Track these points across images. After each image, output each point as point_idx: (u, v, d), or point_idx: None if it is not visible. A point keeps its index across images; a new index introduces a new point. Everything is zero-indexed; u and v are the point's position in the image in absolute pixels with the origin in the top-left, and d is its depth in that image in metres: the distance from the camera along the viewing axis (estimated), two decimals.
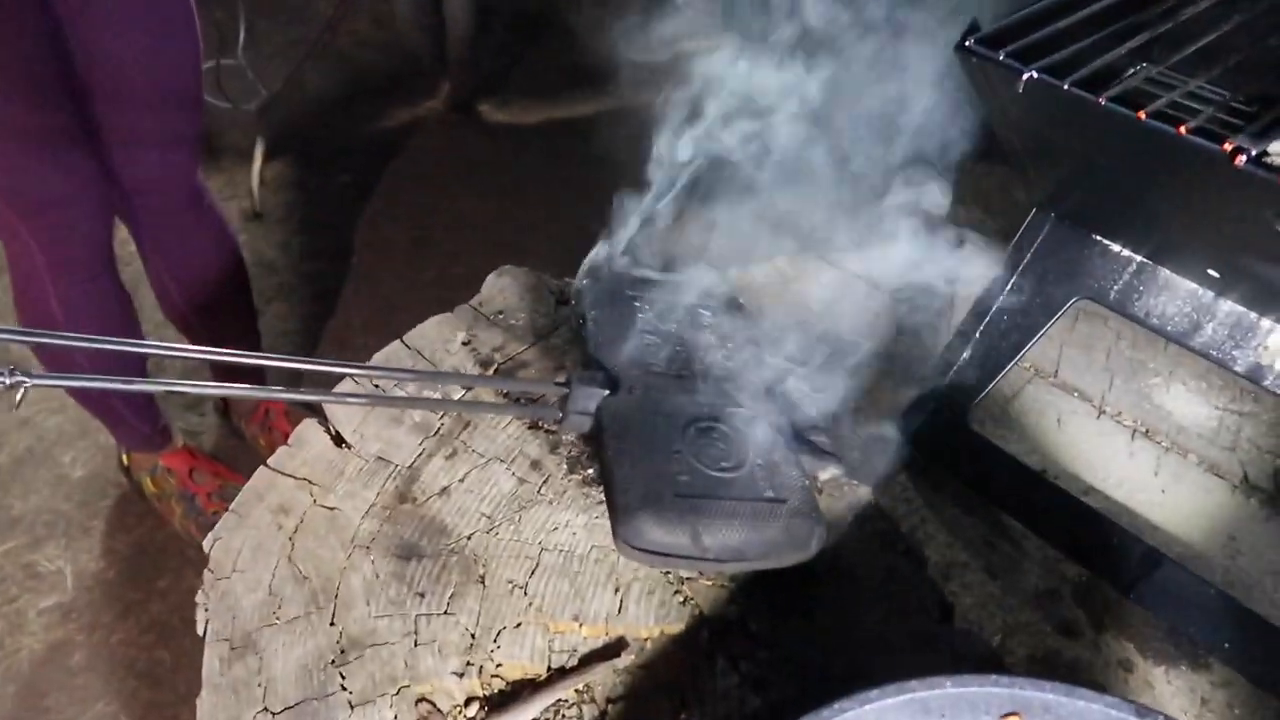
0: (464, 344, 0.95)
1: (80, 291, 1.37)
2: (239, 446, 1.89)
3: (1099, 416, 1.09)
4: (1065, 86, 0.70)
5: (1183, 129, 0.63)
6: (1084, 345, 1.16)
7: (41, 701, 1.55)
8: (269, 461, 0.89)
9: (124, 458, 1.79)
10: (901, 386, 1.12)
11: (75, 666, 1.59)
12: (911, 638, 0.71)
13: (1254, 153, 0.60)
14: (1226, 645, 0.87)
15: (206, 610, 0.81)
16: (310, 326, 2.24)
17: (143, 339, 1.55)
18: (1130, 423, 1.08)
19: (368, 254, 2.45)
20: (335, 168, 2.72)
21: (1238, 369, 0.88)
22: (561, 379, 0.82)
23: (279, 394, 0.73)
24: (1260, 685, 0.87)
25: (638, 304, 0.92)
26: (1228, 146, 0.60)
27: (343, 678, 0.74)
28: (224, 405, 1.89)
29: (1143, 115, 0.65)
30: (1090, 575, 0.96)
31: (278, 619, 0.78)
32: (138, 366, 1.61)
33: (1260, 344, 0.87)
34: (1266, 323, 0.87)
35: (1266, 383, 0.86)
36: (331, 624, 0.77)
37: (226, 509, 1.67)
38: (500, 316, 0.99)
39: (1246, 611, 0.89)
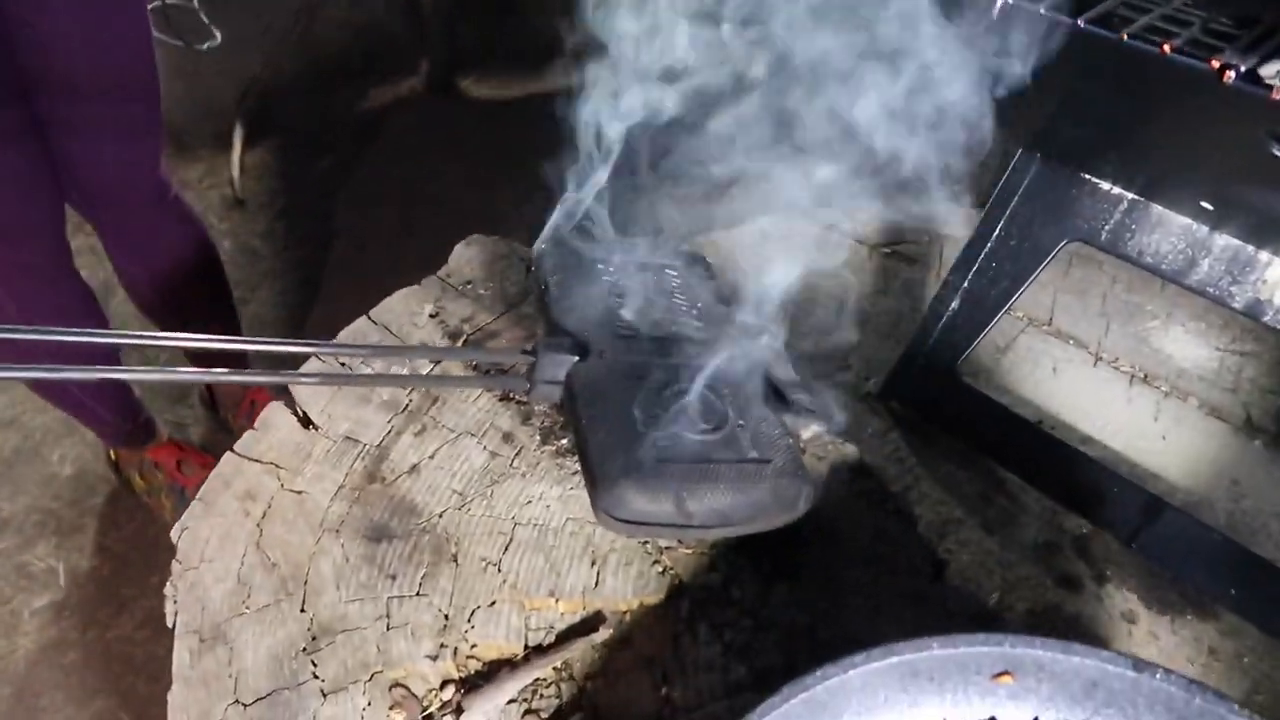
0: (431, 316, 0.92)
1: (38, 296, 1.34)
2: (228, 439, 1.86)
3: (1096, 363, 1.05)
4: (1040, 10, 0.66)
5: (1166, 47, 0.60)
6: (1078, 291, 1.13)
7: (38, 701, 1.53)
8: (235, 447, 0.86)
9: (111, 454, 1.76)
10: (889, 340, 1.09)
11: (71, 665, 1.57)
12: (902, 599, 0.68)
13: (1243, 69, 0.56)
14: (1233, 592, 0.84)
15: (175, 602, 0.79)
16: (296, 314, 2.21)
17: (116, 351, 1.52)
18: (1128, 368, 1.05)
19: (353, 238, 2.42)
20: (316, 152, 2.68)
21: (1236, 305, 0.84)
22: (528, 347, 0.78)
23: (227, 377, 0.70)
24: (1269, 632, 0.84)
25: (601, 267, 0.88)
26: (1215, 63, 0.56)
27: (314, 665, 0.71)
28: (210, 398, 1.86)
29: (1124, 36, 0.61)
30: (1091, 526, 0.93)
31: (247, 608, 0.75)
32: (106, 363, 1.57)
33: (1259, 278, 0.83)
34: (1264, 255, 0.83)
35: (1266, 318, 0.83)
36: (302, 610, 0.74)
37: None
38: (469, 287, 0.96)
39: (1253, 557, 0.86)
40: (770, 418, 0.77)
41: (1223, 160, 0.72)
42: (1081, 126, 0.88)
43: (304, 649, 0.72)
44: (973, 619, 0.67)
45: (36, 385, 1.46)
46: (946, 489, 0.96)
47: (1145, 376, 1.04)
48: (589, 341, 0.78)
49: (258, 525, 0.80)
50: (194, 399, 1.95)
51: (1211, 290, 0.86)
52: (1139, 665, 0.51)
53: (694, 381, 0.76)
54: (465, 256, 0.99)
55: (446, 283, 0.96)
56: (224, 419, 1.87)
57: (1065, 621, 0.86)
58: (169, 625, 0.78)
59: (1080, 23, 0.64)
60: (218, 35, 2.39)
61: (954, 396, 0.99)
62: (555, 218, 0.85)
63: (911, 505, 0.74)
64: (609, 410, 0.73)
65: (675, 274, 0.92)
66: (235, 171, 2.48)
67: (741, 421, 0.75)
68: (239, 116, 2.50)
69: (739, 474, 0.70)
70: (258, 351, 1.87)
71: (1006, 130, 0.97)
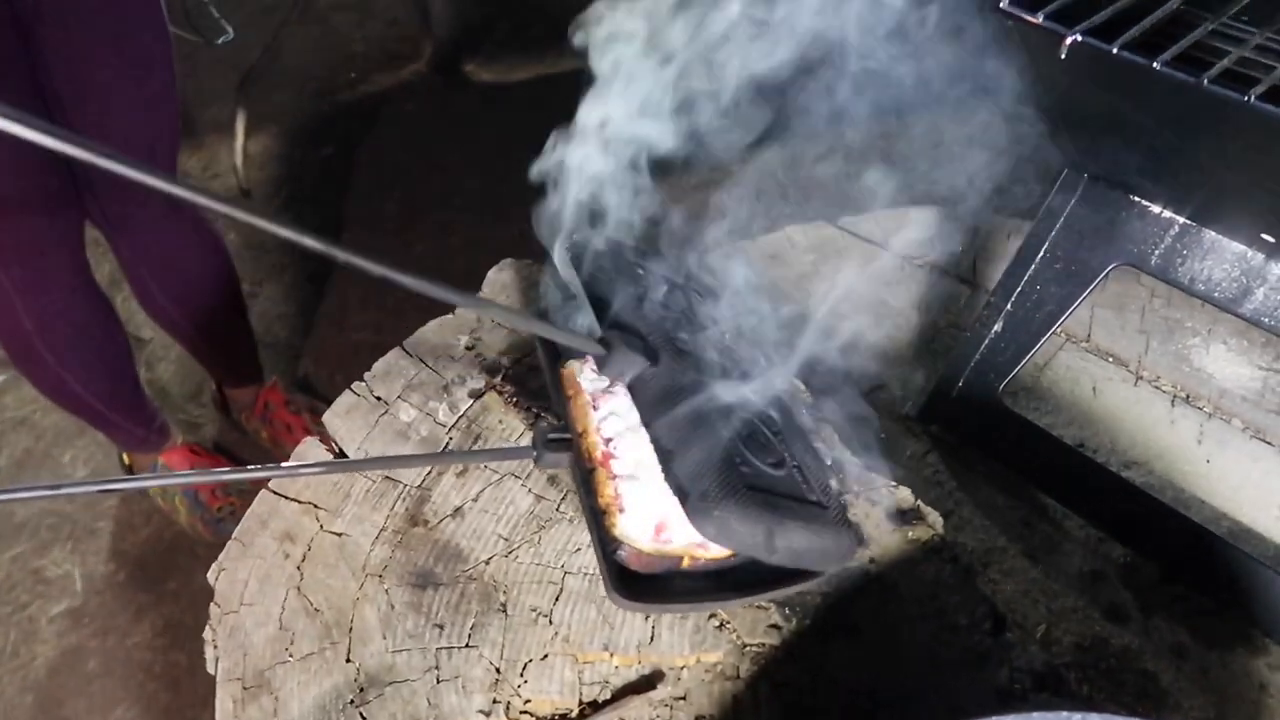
0: (468, 349, 0.90)
1: (57, 313, 1.32)
2: (240, 439, 1.85)
3: (1136, 383, 1.04)
4: (1114, 51, 0.63)
5: (1252, 95, 0.57)
6: (1116, 306, 1.11)
7: (60, 710, 1.53)
8: (270, 485, 0.85)
9: (124, 456, 1.75)
10: (924, 356, 1.07)
11: (91, 673, 1.57)
12: (964, 655, 0.67)
13: None
14: None
15: (215, 647, 0.77)
16: (304, 307, 2.19)
17: (127, 347, 1.50)
18: (1169, 388, 1.03)
19: (358, 228, 2.39)
20: (319, 139, 2.64)
21: None
22: (533, 442, 0.74)
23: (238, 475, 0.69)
24: None
25: (640, 273, 0.85)
26: None
27: (363, 718, 0.70)
28: (222, 399, 1.84)
29: (1205, 81, 0.59)
30: (1136, 555, 0.91)
31: (291, 655, 0.74)
32: (130, 375, 1.55)
33: None
34: None
35: None
36: (348, 660, 0.73)
37: (232, 503, 1.65)
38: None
39: None
40: (818, 461, 0.75)
41: None
42: (1134, 151, 0.86)
43: (352, 700, 0.71)
44: (1036, 675, 0.66)
45: (50, 389, 1.44)
46: (988, 515, 0.94)
47: (1187, 397, 1.02)
48: (657, 348, 0.75)
49: (298, 568, 0.79)
50: (205, 397, 1.93)
51: (1267, 320, 0.84)
52: None
53: (753, 411, 0.74)
54: (499, 282, 0.96)
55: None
56: (236, 419, 1.85)
57: (1114, 655, 0.85)
58: (210, 670, 0.77)
59: (1156, 65, 0.61)
60: (230, 30, 2.35)
61: (995, 420, 0.98)
62: (581, 214, 0.82)
63: (966, 553, 0.73)
64: (687, 426, 0.70)
65: (700, 296, 0.89)
66: (238, 161, 2.45)
67: (796, 462, 0.74)
68: (240, 104, 2.46)
69: (811, 515, 0.69)
70: (266, 358, 1.85)
71: (1055, 149, 0.95)
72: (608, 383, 0.73)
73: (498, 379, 0.87)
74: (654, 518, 0.66)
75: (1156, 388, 1.03)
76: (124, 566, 1.70)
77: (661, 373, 0.72)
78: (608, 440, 0.69)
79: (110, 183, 1.31)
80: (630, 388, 0.73)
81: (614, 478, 0.68)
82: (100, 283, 1.44)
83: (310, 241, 0.55)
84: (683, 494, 0.65)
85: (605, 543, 0.67)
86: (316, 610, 0.76)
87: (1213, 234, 0.86)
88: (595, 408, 0.72)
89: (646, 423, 0.71)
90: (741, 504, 0.65)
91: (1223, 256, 0.86)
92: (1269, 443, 0.98)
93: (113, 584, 1.67)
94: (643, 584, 0.67)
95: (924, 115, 1.03)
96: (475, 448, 0.82)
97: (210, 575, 0.82)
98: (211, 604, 0.80)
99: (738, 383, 0.74)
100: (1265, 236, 0.79)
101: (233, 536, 0.82)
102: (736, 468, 0.67)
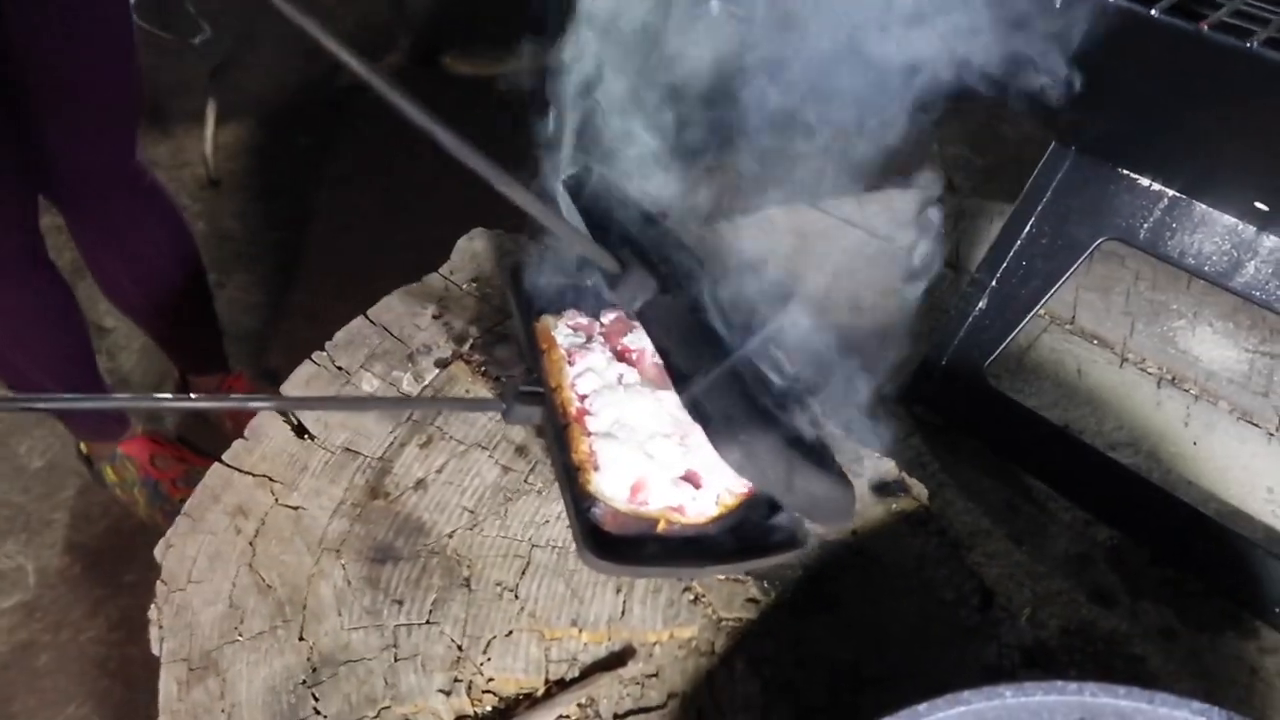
0: (435, 318, 0.86)
1: (11, 294, 1.27)
2: (203, 428, 1.79)
3: (1122, 365, 1.02)
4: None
5: (1255, 42, 0.55)
6: (1101, 288, 1.09)
7: (8, 707, 1.47)
8: (224, 457, 0.81)
9: (82, 447, 1.69)
10: (911, 341, 1.04)
11: (43, 668, 1.51)
12: (950, 630, 0.64)
13: None
14: (1277, 610, 0.81)
15: (160, 627, 0.73)
16: (276, 299, 2.14)
17: (86, 335, 1.45)
18: (1155, 370, 1.01)
19: (333, 219, 2.34)
20: (293, 130, 2.59)
21: None
22: (503, 389, 0.71)
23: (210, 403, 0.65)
24: None
25: (643, 214, 0.80)
26: None
27: (316, 700, 0.66)
28: (185, 388, 1.79)
29: (1205, 28, 0.56)
30: (1123, 537, 0.89)
31: (240, 635, 0.70)
32: (89, 364, 1.50)
33: None
34: None
35: None
36: (301, 639, 0.69)
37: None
38: (473, 285, 0.90)
39: None
40: (815, 415, 0.72)
41: None
42: (1124, 119, 0.83)
43: (304, 681, 0.67)
44: (1025, 652, 0.63)
45: (6, 377, 1.39)
46: (972, 497, 0.91)
47: (1174, 379, 1.00)
48: (668, 277, 0.71)
49: (250, 544, 0.74)
50: (169, 388, 1.87)
51: (1258, 294, 0.82)
52: (1234, 718, 0.47)
53: (759, 355, 0.71)
54: (469, 252, 0.93)
55: (449, 280, 0.90)
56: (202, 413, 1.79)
57: (1102, 639, 0.82)
58: (154, 651, 0.73)
59: (1154, 13, 0.59)
60: (207, 29, 2.31)
61: (979, 400, 0.95)
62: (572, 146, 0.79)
63: (953, 526, 0.70)
64: (704, 352, 0.66)
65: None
66: (208, 150, 2.39)
67: (801, 412, 0.70)
68: (211, 92, 2.41)
69: (822, 462, 0.65)
70: (236, 349, 1.80)
71: (1041, 121, 0.92)
72: (583, 339, 0.70)
73: (465, 348, 0.83)
74: (631, 476, 0.63)
75: (1142, 370, 1.01)
76: (79, 559, 1.64)
77: (674, 302, 0.69)
78: (583, 397, 0.66)
79: (70, 169, 1.27)
80: (640, 314, 0.69)
81: (589, 435, 0.64)
82: (63, 269, 1.39)
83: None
84: (705, 418, 0.62)
85: (578, 500, 0.63)
86: (269, 587, 0.72)
87: (1203, 206, 0.84)
88: (570, 363, 0.68)
89: (661, 348, 0.68)
90: (767, 433, 0.62)
91: (1213, 229, 0.84)
92: (1255, 425, 0.96)
93: (67, 577, 1.61)
94: (616, 546, 0.63)
95: (905, 92, 1.00)
96: (442, 416, 0.79)
97: (157, 552, 0.77)
98: (158, 582, 0.76)
99: (743, 329, 0.71)
100: (1259, 205, 0.77)
101: (182, 511, 0.78)
102: (756, 400, 0.64)
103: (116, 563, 1.63)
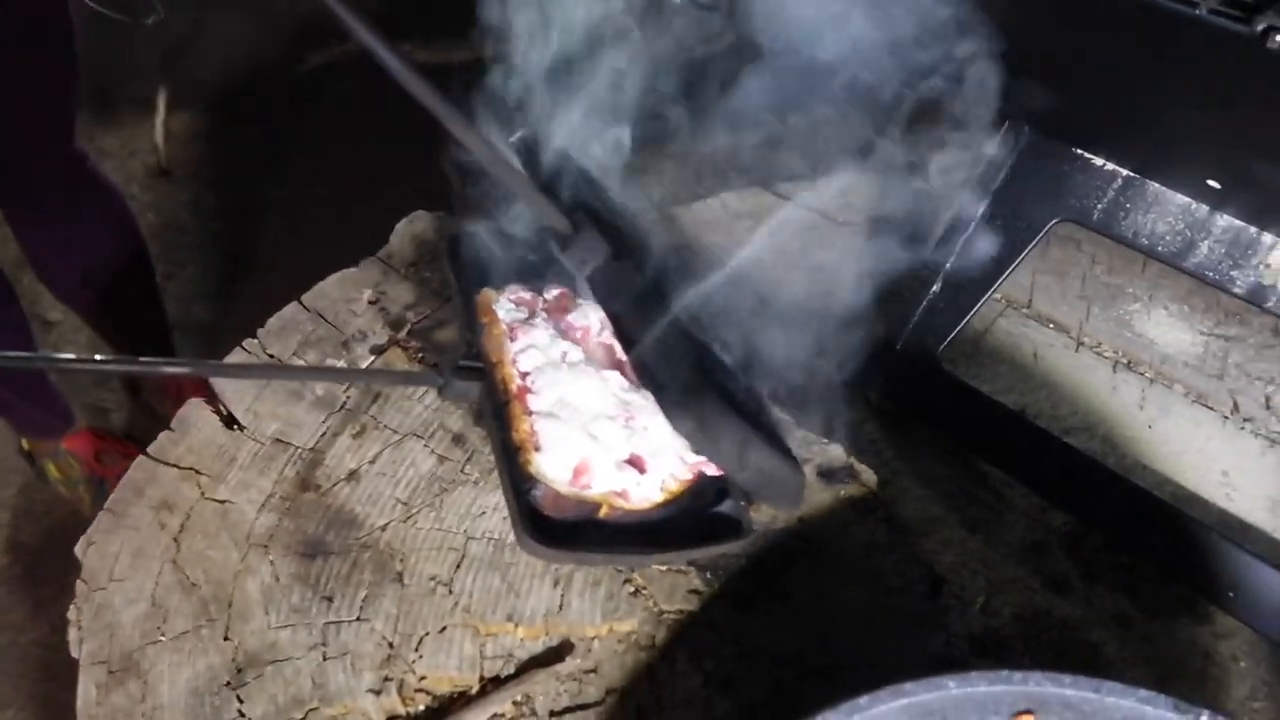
0: (371, 303, 0.83)
1: None
2: (154, 425, 1.74)
3: (1078, 349, 1.00)
4: None
5: (1203, 8, 0.53)
6: (1057, 272, 1.07)
7: None
8: (149, 449, 0.77)
9: (24, 443, 1.64)
10: (860, 322, 1.03)
11: None
12: (897, 618, 0.62)
13: None
14: (1230, 594, 0.80)
15: (80, 627, 0.70)
16: (229, 290, 2.09)
17: (28, 330, 1.40)
18: (1111, 354, 1.00)
19: (288, 210, 2.29)
20: (246, 118, 2.53)
21: (1237, 291, 0.79)
22: (442, 363, 0.68)
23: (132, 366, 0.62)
24: (1263, 633, 0.80)
25: (592, 180, 0.78)
26: (1260, 26, 0.50)
27: (240, 701, 0.63)
28: (132, 381, 1.74)
29: None
30: (1078, 523, 0.88)
31: (163, 635, 0.67)
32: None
33: (1261, 262, 0.79)
34: (1268, 238, 0.78)
35: (1269, 305, 0.78)
36: (226, 638, 0.66)
37: None
38: (412, 270, 0.87)
39: (1244, 555, 0.82)
40: (763, 395, 0.70)
41: (1244, 136, 0.67)
42: (1078, 96, 0.82)
43: (228, 682, 0.64)
44: (974, 640, 0.62)
45: None
46: (926, 484, 0.90)
47: (1129, 363, 0.99)
48: (620, 241, 0.68)
49: (175, 540, 0.71)
50: (115, 382, 1.82)
51: (1211, 274, 0.81)
52: (1180, 707, 0.46)
53: (709, 330, 0.69)
54: (408, 235, 0.90)
55: (388, 265, 0.87)
56: (148, 402, 1.74)
57: (1056, 626, 0.81)
58: (73, 654, 0.70)
59: None
60: (160, 10, 2.24)
61: (935, 386, 0.93)
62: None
63: (902, 512, 0.68)
64: (655, 318, 0.64)
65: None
66: (159, 139, 2.33)
67: (754, 393, 0.68)
68: (162, 80, 2.35)
69: (775, 440, 0.63)
70: (182, 338, 1.76)
71: (995, 100, 0.91)
72: (526, 315, 0.67)
73: (402, 333, 0.80)
74: (574, 458, 0.60)
75: (1098, 354, 1.00)
76: (21, 559, 1.59)
77: (625, 267, 0.66)
78: (525, 374, 0.63)
79: (7, 162, 1.22)
80: (591, 279, 0.67)
81: (530, 414, 0.62)
82: (5, 264, 1.34)
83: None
84: (658, 385, 0.60)
85: (518, 481, 0.61)
86: (194, 585, 0.69)
87: (1157, 186, 0.83)
88: (512, 339, 0.66)
89: (613, 314, 0.65)
90: (722, 404, 0.60)
91: (1166, 209, 0.83)
92: (1210, 408, 0.95)
93: (8, 578, 1.56)
94: (555, 530, 0.61)
95: (858, 73, 0.98)
96: (376, 405, 0.76)
97: (78, 549, 0.74)
98: (78, 581, 0.73)
99: (695, 307, 0.69)
100: (1211, 183, 0.76)
101: (104, 507, 0.75)
102: (710, 373, 0.61)
103: (61, 562, 1.56)
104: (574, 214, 0.66)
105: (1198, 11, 0.54)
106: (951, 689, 0.48)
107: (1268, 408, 0.94)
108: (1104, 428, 0.94)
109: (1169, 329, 1.02)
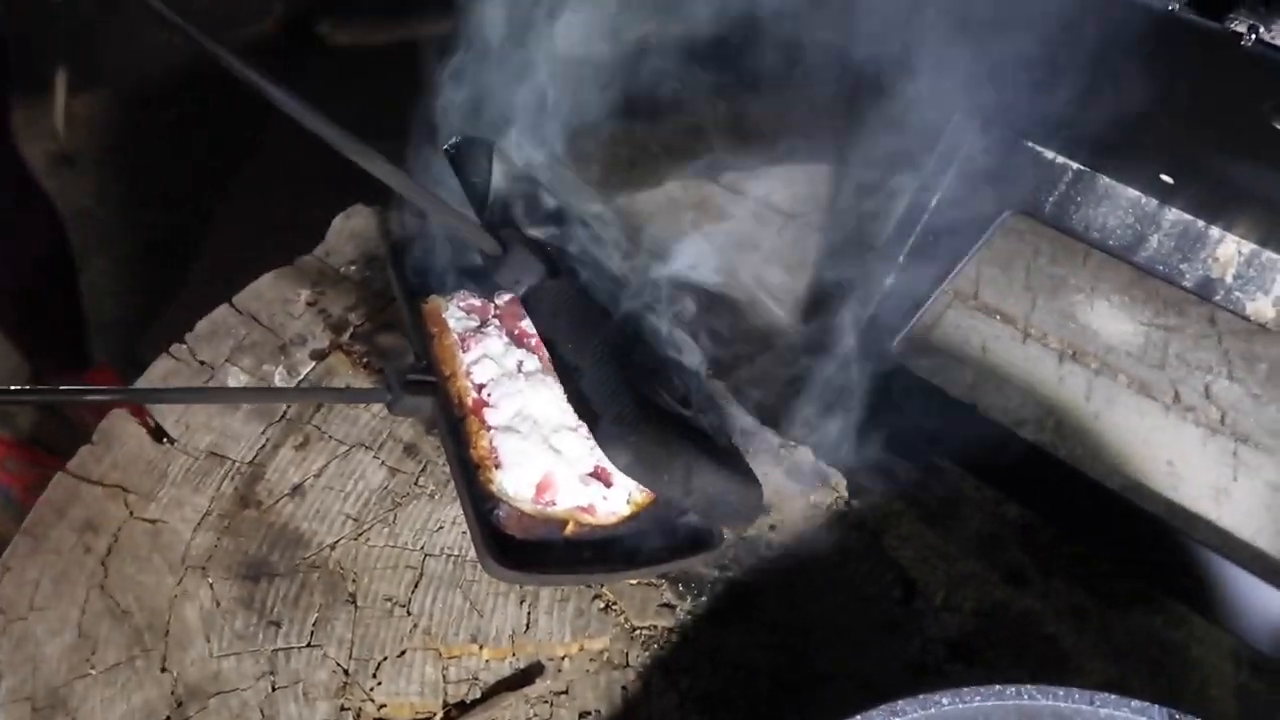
0: (309, 304, 0.78)
1: None
2: (63, 430, 1.65)
3: (1025, 340, 1.01)
4: None
5: (1176, 5, 0.53)
6: (1002, 264, 1.08)
7: None
8: (69, 465, 0.71)
9: None
10: (817, 320, 1.01)
11: None
12: (872, 626, 0.61)
13: (1267, 34, 0.49)
14: (1182, 583, 0.81)
15: None
16: (144, 284, 1.98)
17: None
18: (1057, 345, 1.01)
19: (203, 199, 2.19)
20: (155, 102, 2.40)
21: (1186, 284, 0.80)
22: (391, 382, 0.64)
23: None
24: (1213, 620, 0.82)
25: (531, 185, 0.75)
26: (1236, 26, 0.49)
27: None
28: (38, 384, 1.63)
29: None
30: (1033, 515, 0.88)
31: (93, 668, 0.62)
32: None
33: (1209, 255, 0.80)
34: (1215, 231, 0.79)
35: (1217, 298, 0.79)
36: (163, 670, 0.61)
37: None
38: (352, 269, 0.82)
39: (1191, 544, 0.83)
40: (717, 406, 0.68)
41: (1205, 132, 0.67)
42: (1028, 89, 0.81)
43: (168, 718, 0.59)
44: (950, 645, 0.61)
45: None
46: (882, 479, 0.89)
47: (1074, 354, 1.00)
48: (556, 260, 0.65)
49: (102, 563, 0.66)
50: (21, 383, 1.71)
51: (1161, 267, 0.82)
52: (1176, 717, 0.45)
53: (657, 345, 0.66)
54: (346, 231, 0.85)
55: (325, 264, 0.82)
56: (60, 410, 1.64)
57: (1014, 620, 0.81)
58: None
59: None
60: None
61: (888, 379, 0.93)
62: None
63: (871, 518, 0.67)
64: (597, 347, 0.62)
65: (588, 226, 0.80)
66: (59, 123, 2.20)
67: (704, 404, 0.66)
68: (61, 60, 2.21)
69: (722, 459, 0.61)
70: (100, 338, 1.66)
71: (945, 93, 0.90)
72: (478, 323, 0.64)
73: (344, 337, 0.76)
74: (536, 474, 0.57)
75: (1045, 345, 1.01)
76: None
77: (562, 286, 0.63)
78: (480, 386, 0.60)
79: None
80: (525, 300, 0.64)
81: (489, 428, 0.58)
82: None
83: None
84: (592, 415, 0.58)
85: (478, 501, 0.57)
86: (125, 612, 0.64)
87: (1107, 180, 0.83)
88: (465, 349, 0.62)
89: (547, 337, 0.63)
90: (660, 430, 0.58)
91: (1117, 202, 0.84)
92: (1153, 398, 0.96)
93: None
94: (521, 551, 0.58)
95: (816, 65, 0.97)
96: (320, 414, 0.71)
97: None
98: None
99: (639, 315, 0.66)
100: (1164, 178, 0.76)
101: (21, 529, 0.69)
102: (650, 396, 0.59)
103: None
104: (503, 231, 0.63)
105: (1171, 8, 0.54)
106: (944, 705, 0.47)
107: (1208, 397, 0.96)
108: (1053, 419, 0.95)
109: (1111, 320, 1.03)
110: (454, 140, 0.73)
